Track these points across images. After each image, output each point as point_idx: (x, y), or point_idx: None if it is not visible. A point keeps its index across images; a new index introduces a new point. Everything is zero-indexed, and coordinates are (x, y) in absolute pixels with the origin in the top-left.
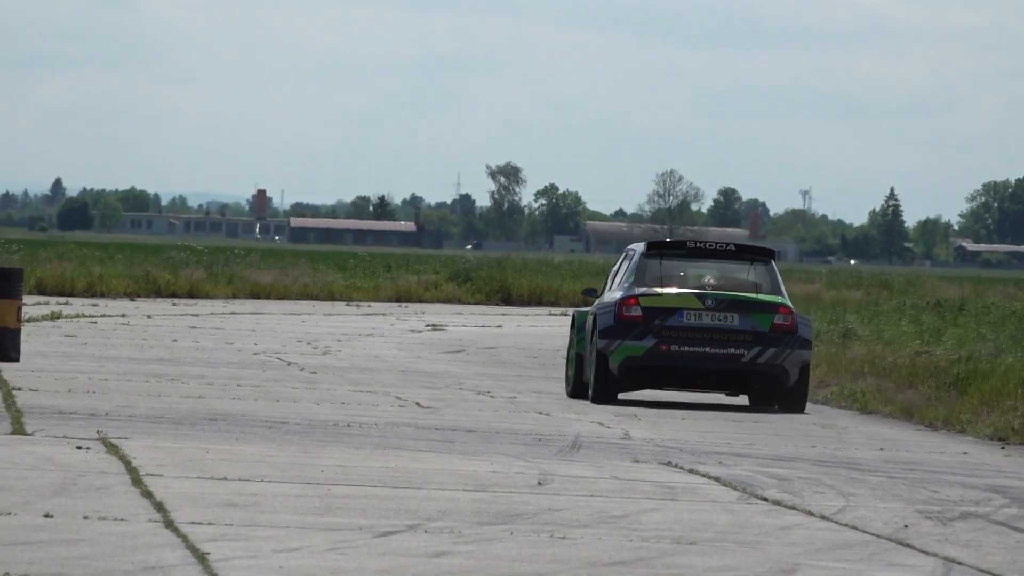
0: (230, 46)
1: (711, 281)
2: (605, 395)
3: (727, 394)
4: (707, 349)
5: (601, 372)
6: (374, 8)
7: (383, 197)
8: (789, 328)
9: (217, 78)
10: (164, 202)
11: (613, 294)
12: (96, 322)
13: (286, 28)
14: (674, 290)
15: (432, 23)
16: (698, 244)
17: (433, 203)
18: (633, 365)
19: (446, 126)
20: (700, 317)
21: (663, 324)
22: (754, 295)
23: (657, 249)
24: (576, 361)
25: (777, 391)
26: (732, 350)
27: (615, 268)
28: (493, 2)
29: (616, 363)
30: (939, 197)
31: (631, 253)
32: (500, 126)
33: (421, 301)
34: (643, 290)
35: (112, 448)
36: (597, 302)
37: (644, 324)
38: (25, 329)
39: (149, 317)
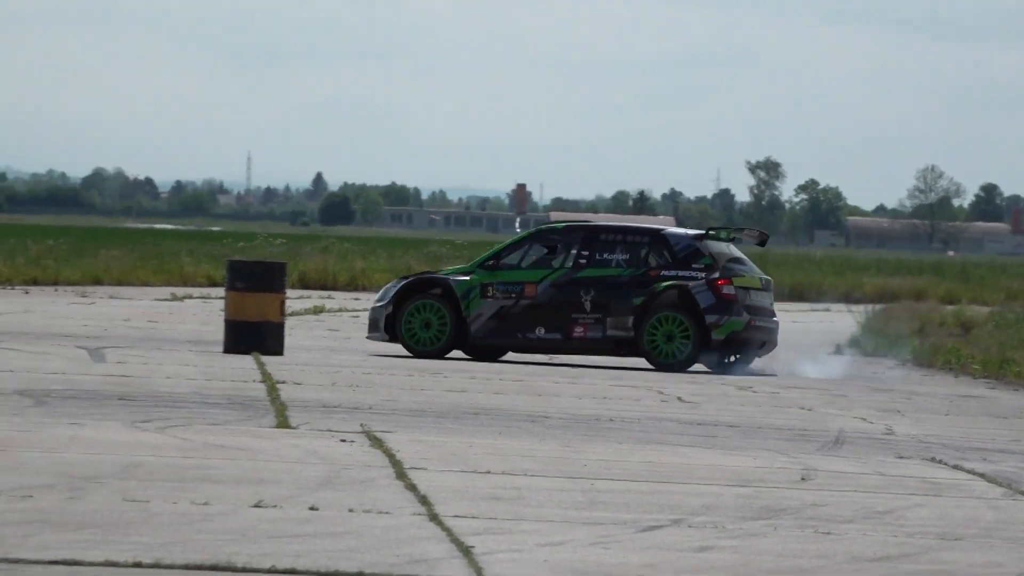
0: (489, 41)
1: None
2: (693, 362)
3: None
4: (767, 323)
5: (703, 343)
6: (630, 3)
7: (642, 192)
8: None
9: (477, 73)
10: (424, 196)
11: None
12: (358, 316)
13: (544, 23)
14: (746, 270)
15: (688, 17)
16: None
17: (692, 198)
18: (735, 338)
19: (704, 121)
20: (756, 296)
21: (745, 302)
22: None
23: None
24: (456, 323)
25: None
26: (773, 321)
27: (541, 249)
28: None
29: (722, 336)
30: None
31: (642, 238)
32: (758, 121)
33: None
34: (730, 271)
35: (376, 441)
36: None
37: (737, 302)
38: (288, 323)
39: None
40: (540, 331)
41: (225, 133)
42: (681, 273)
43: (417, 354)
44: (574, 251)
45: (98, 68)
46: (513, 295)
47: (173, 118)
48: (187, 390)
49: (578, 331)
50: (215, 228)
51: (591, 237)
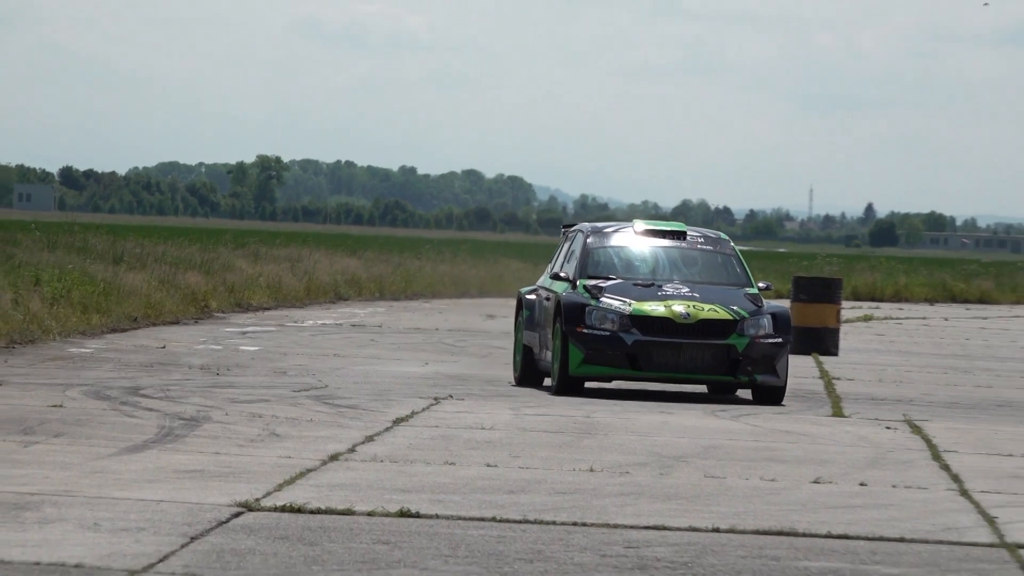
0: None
1: None
2: None
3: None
4: None
5: None
6: None
7: None
8: None
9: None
10: (959, 223)
11: None
12: (901, 323)
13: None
14: None
15: None
16: None
17: None
18: None
19: None
20: None
21: None
22: None
23: None
24: None
25: None
26: None
27: None
28: None
29: None
30: None
31: None
32: None
33: None
34: None
35: (915, 429)
36: None
37: None
38: (843, 329)
39: (945, 319)
40: None
41: (791, 169)
42: None
43: None
44: None
45: (695, 115)
46: None
47: (749, 156)
48: None
49: None
50: (781, 250)
51: None
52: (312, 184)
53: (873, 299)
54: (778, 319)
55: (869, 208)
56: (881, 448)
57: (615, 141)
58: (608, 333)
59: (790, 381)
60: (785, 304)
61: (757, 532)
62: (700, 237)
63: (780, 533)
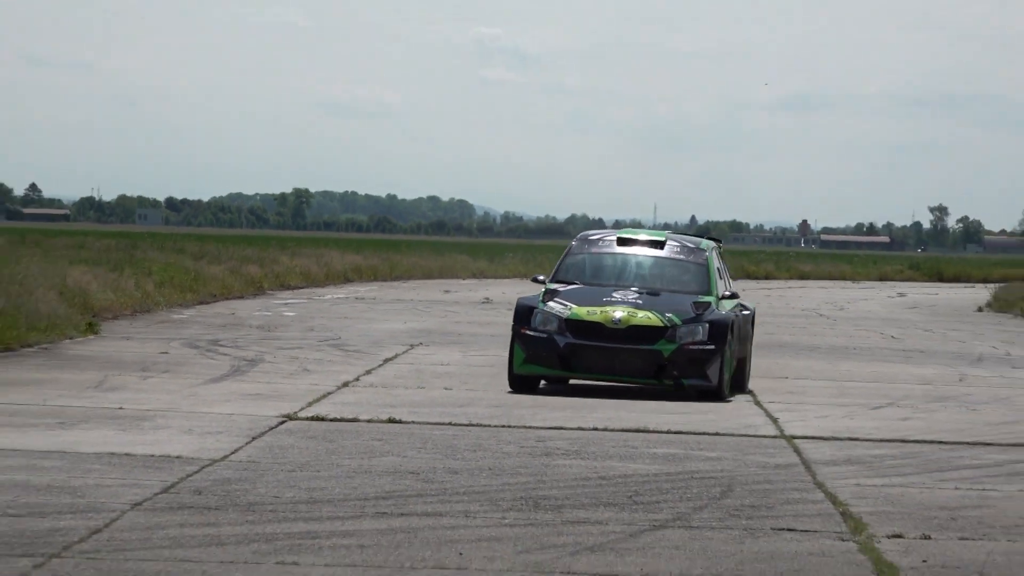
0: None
1: None
2: None
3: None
4: None
5: None
6: None
7: (872, 223)
8: None
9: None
10: (752, 227)
11: None
12: None
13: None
14: None
15: None
16: None
17: (904, 224)
18: None
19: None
20: None
21: None
22: None
23: None
24: None
25: None
26: None
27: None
28: None
29: None
30: None
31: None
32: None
33: (893, 280)
34: None
35: None
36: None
37: None
38: None
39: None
40: None
41: (642, 191)
42: None
43: None
44: None
45: (577, 157)
46: None
47: (613, 182)
48: None
49: None
50: None
51: None
52: (330, 206)
53: None
54: (714, 327)
55: (692, 218)
56: None
57: (527, 174)
58: (546, 335)
59: None
60: (744, 312)
61: (622, 430)
62: (678, 246)
63: (637, 430)
